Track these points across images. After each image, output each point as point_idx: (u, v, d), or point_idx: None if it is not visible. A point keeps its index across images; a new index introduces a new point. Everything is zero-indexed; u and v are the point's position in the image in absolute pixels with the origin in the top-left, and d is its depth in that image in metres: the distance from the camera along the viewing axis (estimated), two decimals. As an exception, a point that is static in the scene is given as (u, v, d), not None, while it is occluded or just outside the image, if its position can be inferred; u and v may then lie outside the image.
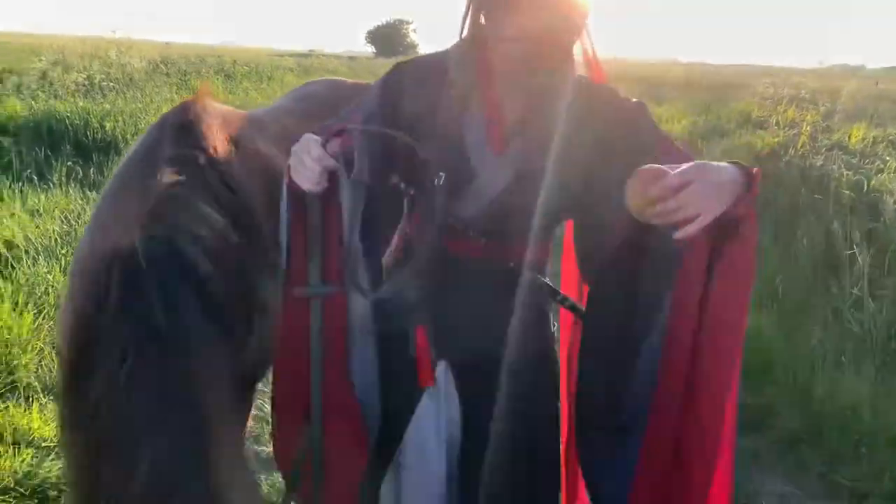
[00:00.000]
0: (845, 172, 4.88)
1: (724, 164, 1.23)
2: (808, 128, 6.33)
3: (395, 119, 1.49)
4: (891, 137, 5.48)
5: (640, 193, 1.19)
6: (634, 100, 1.49)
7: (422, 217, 1.58)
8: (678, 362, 1.33)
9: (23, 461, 2.73)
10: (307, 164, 1.39)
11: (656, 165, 1.20)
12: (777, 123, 6.94)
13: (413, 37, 79.83)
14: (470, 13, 1.44)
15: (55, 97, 7.53)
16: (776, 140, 6.20)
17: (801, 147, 5.84)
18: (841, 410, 3.27)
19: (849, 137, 5.78)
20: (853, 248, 4.08)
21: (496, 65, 1.43)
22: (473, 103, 1.46)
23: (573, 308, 1.65)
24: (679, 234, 1.18)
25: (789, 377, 3.63)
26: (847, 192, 4.62)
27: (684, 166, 1.19)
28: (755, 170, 1.24)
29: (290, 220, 1.49)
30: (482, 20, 1.42)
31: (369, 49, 77.17)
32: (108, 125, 6.99)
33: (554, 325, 1.65)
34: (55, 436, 2.94)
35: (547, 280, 1.60)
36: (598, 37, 1.47)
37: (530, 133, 1.47)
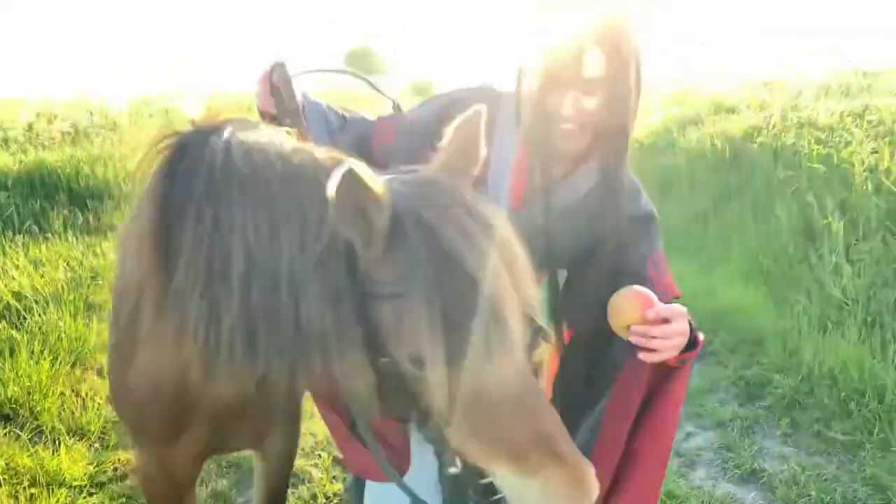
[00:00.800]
0: (815, 148, 5.06)
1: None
2: (778, 108, 6.53)
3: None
4: (857, 111, 5.68)
5: (635, 312, 1.38)
6: (646, 209, 1.66)
7: None
8: (614, 431, 1.59)
9: (57, 501, 2.86)
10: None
11: (648, 291, 1.41)
12: (749, 107, 7.14)
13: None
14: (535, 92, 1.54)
15: (43, 148, 7.64)
16: (749, 123, 6.39)
17: (773, 127, 6.03)
18: (830, 372, 3.44)
19: (817, 114, 5.98)
20: (828, 219, 4.26)
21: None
22: (508, 158, 1.60)
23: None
24: (647, 357, 1.39)
25: (780, 346, 3.80)
26: (818, 166, 4.80)
27: (671, 306, 1.40)
28: (701, 338, 1.47)
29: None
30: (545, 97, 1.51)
31: (344, 71, 77.70)
32: (99, 171, 7.11)
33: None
34: (84, 475, 3.08)
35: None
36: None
37: (545, 202, 1.60)
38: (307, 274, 1.14)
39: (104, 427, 3.44)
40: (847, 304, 3.79)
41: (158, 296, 1.31)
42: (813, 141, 5.28)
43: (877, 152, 4.64)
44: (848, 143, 4.93)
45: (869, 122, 5.27)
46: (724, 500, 2.84)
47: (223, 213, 1.21)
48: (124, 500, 2.96)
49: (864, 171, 4.45)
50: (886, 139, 4.82)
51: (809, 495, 2.80)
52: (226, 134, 1.27)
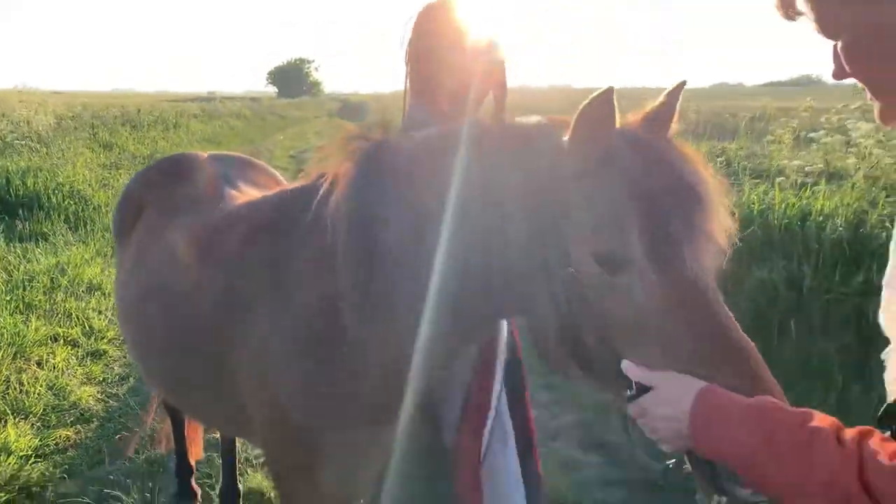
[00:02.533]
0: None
1: None
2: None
3: None
4: (715, 151, 6.68)
5: None
6: None
7: None
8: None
9: (9, 466, 3.31)
10: None
11: None
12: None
13: (315, 75, 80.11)
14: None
15: (-28, 158, 7.87)
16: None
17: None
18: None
19: (684, 153, 6.93)
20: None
21: None
22: None
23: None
24: None
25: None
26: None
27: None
28: None
29: None
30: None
31: (271, 89, 76.72)
32: (28, 182, 7.41)
33: None
34: (29, 448, 3.53)
35: None
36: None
37: None
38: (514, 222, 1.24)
39: (45, 410, 3.89)
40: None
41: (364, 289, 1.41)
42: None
43: (719, 189, 5.55)
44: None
45: (719, 161, 6.24)
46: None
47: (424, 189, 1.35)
48: (66, 467, 3.42)
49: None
50: (732, 178, 5.78)
51: None
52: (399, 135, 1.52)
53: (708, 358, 1.04)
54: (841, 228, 4.06)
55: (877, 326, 1.05)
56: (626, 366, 1.11)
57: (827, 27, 0.98)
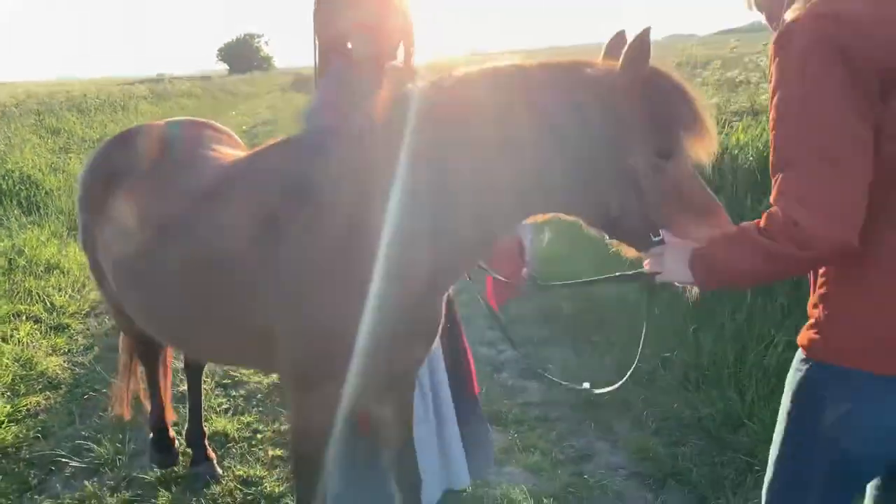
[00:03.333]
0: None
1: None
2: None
3: None
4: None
5: None
6: None
7: None
8: None
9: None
10: None
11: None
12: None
13: (266, 49, 78.61)
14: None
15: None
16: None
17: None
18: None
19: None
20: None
21: None
22: None
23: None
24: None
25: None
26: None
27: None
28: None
29: None
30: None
31: (222, 66, 75.02)
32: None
33: None
34: (2, 413, 3.70)
35: None
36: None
37: None
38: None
39: (13, 380, 4.06)
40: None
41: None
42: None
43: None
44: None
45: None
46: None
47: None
48: (39, 429, 3.61)
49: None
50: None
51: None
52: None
53: (706, 208, 1.58)
54: (751, 158, 4.38)
55: None
56: (664, 234, 1.59)
57: (759, 6, 1.55)
